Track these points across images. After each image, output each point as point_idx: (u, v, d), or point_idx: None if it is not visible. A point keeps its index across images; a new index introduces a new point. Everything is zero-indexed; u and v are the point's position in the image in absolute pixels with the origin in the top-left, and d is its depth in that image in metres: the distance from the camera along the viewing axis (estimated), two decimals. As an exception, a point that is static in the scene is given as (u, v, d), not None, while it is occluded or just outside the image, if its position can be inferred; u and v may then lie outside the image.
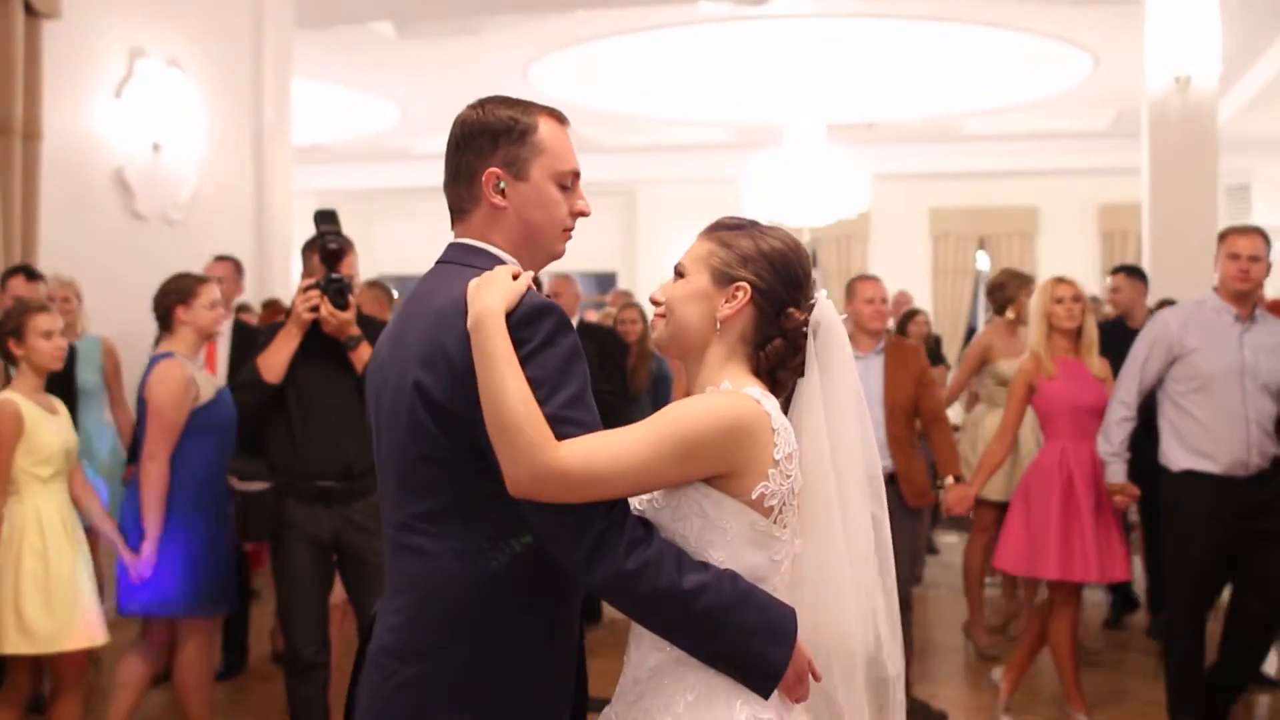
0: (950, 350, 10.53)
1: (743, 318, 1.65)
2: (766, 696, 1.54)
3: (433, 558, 1.59)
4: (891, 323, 7.83)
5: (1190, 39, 6.75)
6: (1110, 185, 12.10)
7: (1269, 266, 3.83)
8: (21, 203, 4.99)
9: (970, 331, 12.27)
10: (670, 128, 11.99)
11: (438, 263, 1.74)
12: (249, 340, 4.54)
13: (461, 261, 1.68)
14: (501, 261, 1.66)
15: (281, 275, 6.86)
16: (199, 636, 3.78)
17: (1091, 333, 4.12)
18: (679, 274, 1.69)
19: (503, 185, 1.67)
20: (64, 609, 3.47)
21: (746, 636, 1.53)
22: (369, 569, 3.52)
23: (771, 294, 1.65)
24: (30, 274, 4.52)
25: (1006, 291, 5.30)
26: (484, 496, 1.56)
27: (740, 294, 1.64)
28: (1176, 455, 3.86)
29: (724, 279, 1.65)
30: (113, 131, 5.89)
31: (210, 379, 3.83)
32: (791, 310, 1.66)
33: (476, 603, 1.58)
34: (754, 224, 1.71)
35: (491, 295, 1.53)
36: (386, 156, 12.96)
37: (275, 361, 3.49)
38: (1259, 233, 3.85)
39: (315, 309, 3.44)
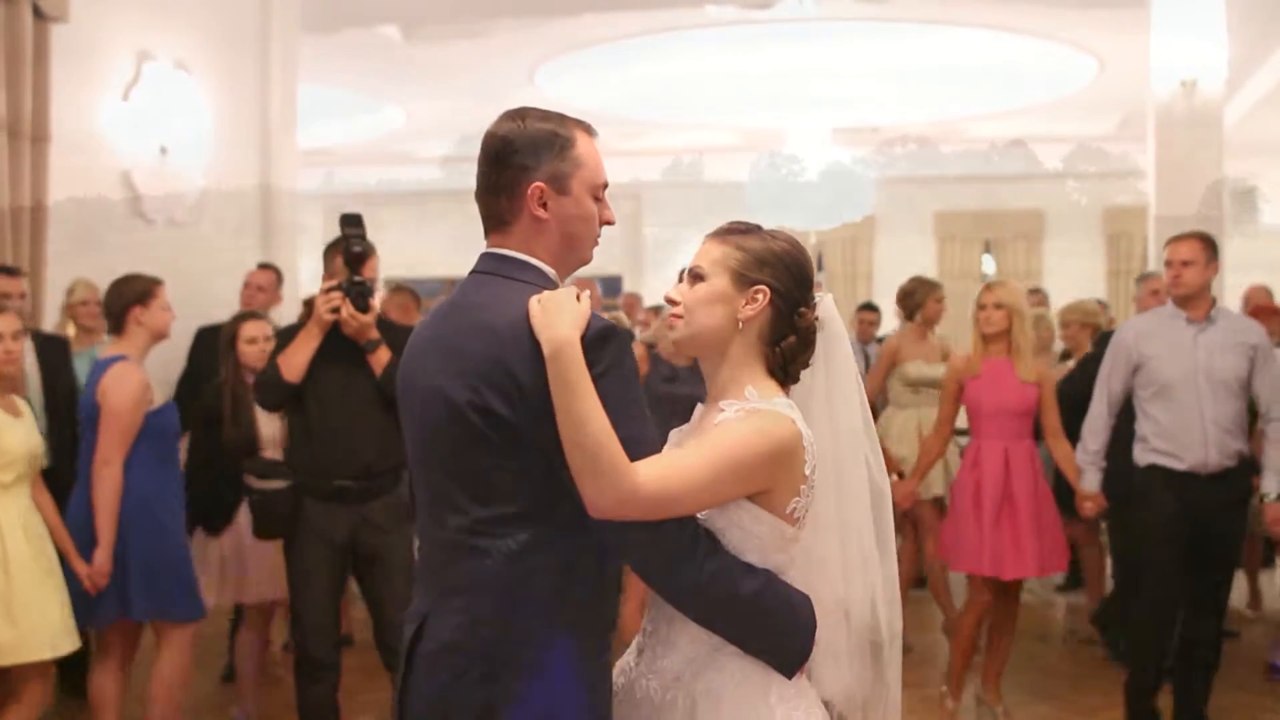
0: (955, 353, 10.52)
1: (761, 318, 1.74)
2: (791, 677, 1.72)
3: (510, 558, 1.65)
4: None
5: (1196, 42, 6.75)
6: (1116, 188, 12.10)
7: (1212, 269, 3.94)
8: (30, 205, 5.02)
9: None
10: (675, 131, 12.01)
11: (478, 272, 1.77)
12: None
13: (506, 274, 1.73)
14: (544, 274, 1.74)
15: (288, 277, 6.88)
16: (170, 643, 3.71)
17: (1020, 337, 4.22)
18: (697, 276, 1.76)
19: (546, 199, 1.73)
20: (26, 618, 3.32)
21: (784, 633, 1.71)
22: (385, 566, 3.60)
23: (787, 295, 1.75)
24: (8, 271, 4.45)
25: (915, 298, 5.52)
26: (560, 500, 1.63)
27: (760, 296, 1.73)
28: (1141, 455, 4.01)
29: (744, 282, 1.74)
30: (120, 134, 5.91)
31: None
32: (804, 309, 1.77)
33: (554, 600, 1.66)
34: (758, 227, 1.80)
35: (565, 322, 1.59)
36: (392, 160, 12.99)
37: (296, 362, 3.53)
38: (1197, 238, 3.97)
39: (336, 310, 3.50)
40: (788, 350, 1.76)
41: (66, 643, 3.45)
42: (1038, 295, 7.70)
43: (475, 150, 1.77)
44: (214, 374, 4.41)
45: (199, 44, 6.46)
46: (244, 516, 3.97)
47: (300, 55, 7.30)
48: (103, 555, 3.49)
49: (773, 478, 1.67)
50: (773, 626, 1.70)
